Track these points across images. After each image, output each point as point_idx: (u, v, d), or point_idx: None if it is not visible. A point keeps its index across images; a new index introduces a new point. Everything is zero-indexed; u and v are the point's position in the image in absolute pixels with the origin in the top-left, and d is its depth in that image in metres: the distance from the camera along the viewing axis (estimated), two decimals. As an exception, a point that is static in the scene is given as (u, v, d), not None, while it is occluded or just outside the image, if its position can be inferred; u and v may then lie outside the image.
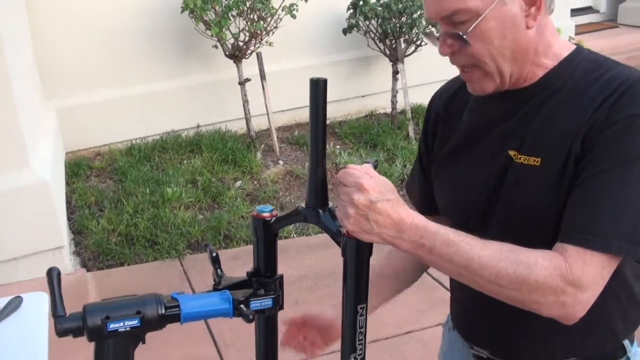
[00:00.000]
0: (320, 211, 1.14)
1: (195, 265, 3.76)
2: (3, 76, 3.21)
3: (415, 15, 5.20)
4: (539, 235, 1.17)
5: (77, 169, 4.66)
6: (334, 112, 5.64)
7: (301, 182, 4.75)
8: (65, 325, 1.08)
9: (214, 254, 1.22)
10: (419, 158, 1.51)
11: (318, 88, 1.09)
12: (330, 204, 1.16)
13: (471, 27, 1.13)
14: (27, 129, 3.45)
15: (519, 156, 1.21)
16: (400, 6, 5.19)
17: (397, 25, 5.27)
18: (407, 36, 5.36)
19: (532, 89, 1.22)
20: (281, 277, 1.22)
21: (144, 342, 1.12)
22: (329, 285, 3.57)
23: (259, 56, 4.95)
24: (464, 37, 1.14)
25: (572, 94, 1.18)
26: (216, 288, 1.19)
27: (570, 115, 1.16)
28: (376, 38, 5.46)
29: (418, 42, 5.40)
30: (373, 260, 1.14)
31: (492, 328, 1.35)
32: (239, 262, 3.65)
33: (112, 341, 1.08)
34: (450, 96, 1.40)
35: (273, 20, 4.86)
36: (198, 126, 5.32)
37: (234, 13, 4.71)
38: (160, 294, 1.13)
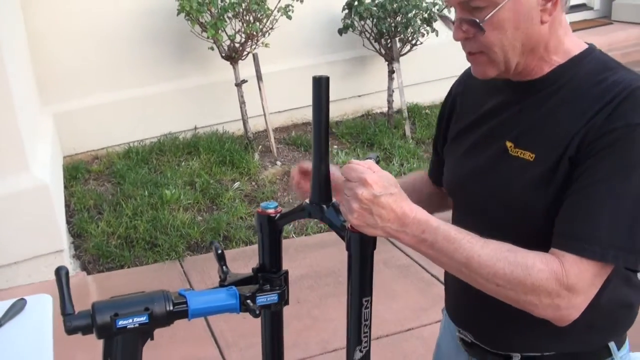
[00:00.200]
0: (324, 206, 1.16)
1: (195, 267, 3.78)
2: (2, 79, 3.22)
3: (410, 15, 5.21)
4: (527, 227, 1.20)
5: (75, 172, 4.67)
6: (331, 112, 5.52)
7: (299, 183, 4.75)
8: (74, 323, 1.09)
9: (220, 251, 1.24)
10: (437, 128, 1.54)
11: (321, 86, 1.11)
12: (334, 199, 1.17)
13: (489, 15, 1.13)
14: (26, 133, 3.45)
15: (515, 149, 1.23)
16: (395, 6, 5.21)
17: (392, 24, 5.29)
18: (402, 35, 5.38)
19: (538, 83, 1.23)
20: (286, 272, 1.24)
21: (152, 339, 1.14)
22: (329, 284, 3.58)
23: (255, 57, 4.96)
24: (481, 24, 1.15)
25: (575, 94, 1.19)
26: (222, 284, 1.21)
27: (570, 115, 1.17)
28: (371, 38, 5.48)
29: (413, 42, 5.42)
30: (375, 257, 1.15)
31: (477, 313, 1.37)
32: (239, 262, 3.66)
33: (121, 338, 1.10)
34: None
35: (269, 22, 4.88)
36: (195, 128, 5.33)
37: (230, 15, 4.72)
38: (168, 290, 1.15)
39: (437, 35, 5.32)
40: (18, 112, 3.34)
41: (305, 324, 3.22)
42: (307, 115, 5.71)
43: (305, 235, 4.12)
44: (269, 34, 4.93)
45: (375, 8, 5.26)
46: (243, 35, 4.84)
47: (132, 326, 1.08)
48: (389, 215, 1.08)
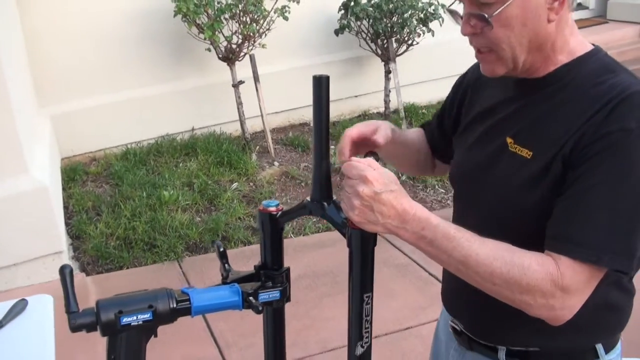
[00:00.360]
0: (325, 204, 1.17)
1: (194, 267, 3.78)
2: (0, 81, 3.22)
3: (406, 15, 5.24)
4: (524, 224, 1.22)
5: (73, 174, 4.68)
6: (328, 112, 5.66)
7: (297, 183, 4.77)
8: (79, 320, 1.10)
9: (222, 249, 1.25)
10: (440, 113, 1.56)
11: (321, 85, 1.13)
12: (334, 196, 1.19)
13: (497, 11, 1.15)
14: (24, 135, 3.46)
15: (514, 145, 1.25)
16: (391, 6, 5.23)
17: (388, 25, 5.31)
18: (398, 36, 5.40)
19: (541, 81, 1.25)
20: (288, 269, 1.25)
21: (155, 336, 1.15)
22: (327, 283, 3.60)
23: (252, 58, 4.97)
24: (489, 19, 1.16)
25: (576, 94, 1.20)
26: (225, 282, 1.22)
27: (568, 115, 1.18)
28: (368, 38, 5.50)
29: (409, 42, 5.44)
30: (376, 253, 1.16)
31: (467, 303, 1.39)
32: (238, 263, 3.61)
33: (125, 335, 1.11)
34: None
35: (265, 23, 4.89)
36: (193, 129, 5.34)
37: (227, 16, 4.73)
38: (171, 288, 1.16)
39: (433, 35, 5.34)
40: (16, 115, 3.34)
41: (304, 324, 3.23)
42: (305, 115, 5.73)
43: (303, 236, 4.13)
44: (266, 35, 4.95)
45: (371, 8, 5.28)
46: (240, 37, 4.85)
47: (136, 323, 1.10)
48: (389, 212, 1.10)
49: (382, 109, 5.79)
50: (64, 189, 4.48)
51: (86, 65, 4.86)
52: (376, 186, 1.09)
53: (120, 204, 4.26)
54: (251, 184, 4.72)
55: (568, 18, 1.21)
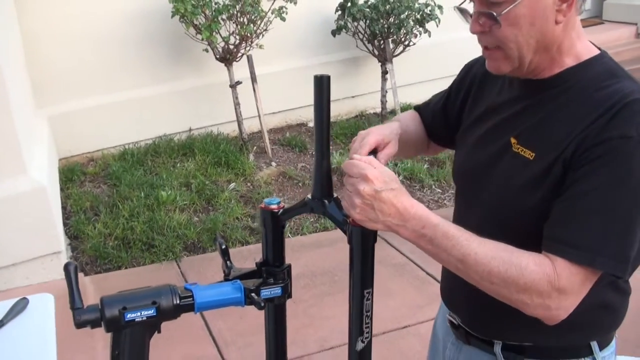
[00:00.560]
0: (326, 201, 1.19)
1: (192, 267, 3.80)
2: (-1, 82, 3.24)
3: (402, 16, 5.26)
4: (523, 224, 1.24)
5: (71, 174, 4.68)
6: (325, 113, 5.67)
7: (294, 183, 4.79)
8: (83, 317, 1.11)
9: (224, 247, 1.27)
10: (445, 97, 1.56)
11: (322, 84, 1.14)
12: (335, 194, 1.20)
13: (506, 10, 1.16)
14: (23, 136, 3.47)
15: (518, 145, 1.26)
16: (387, 7, 5.25)
17: (385, 26, 5.33)
18: (395, 36, 5.42)
19: (546, 82, 1.26)
20: (289, 266, 1.27)
21: (159, 332, 1.16)
22: (325, 283, 3.61)
23: (249, 59, 4.99)
24: (498, 18, 1.18)
25: (579, 97, 1.21)
26: (227, 279, 1.23)
27: (571, 118, 1.20)
28: (365, 39, 5.52)
29: (406, 43, 5.46)
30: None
31: (465, 298, 1.41)
32: (236, 263, 3.66)
33: (129, 331, 1.12)
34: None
35: (263, 23, 4.90)
36: (190, 130, 5.35)
37: (224, 17, 4.74)
38: (174, 284, 1.18)
39: (429, 36, 5.36)
40: (15, 115, 3.35)
41: (303, 322, 3.25)
42: (302, 116, 5.74)
43: (301, 235, 4.15)
44: (263, 35, 4.96)
45: (368, 9, 5.30)
46: (237, 37, 4.86)
47: (140, 319, 1.11)
48: (390, 210, 1.12)
49: (378, 110, 5.81)
50: (61, 190, 4.48)
51: (84, 65, 4.87)
52: (377, 184, 1.11)
53: (118, 204, 4.27)
54: (249, 184, 4.74)
55: (575, 21, 1.23)
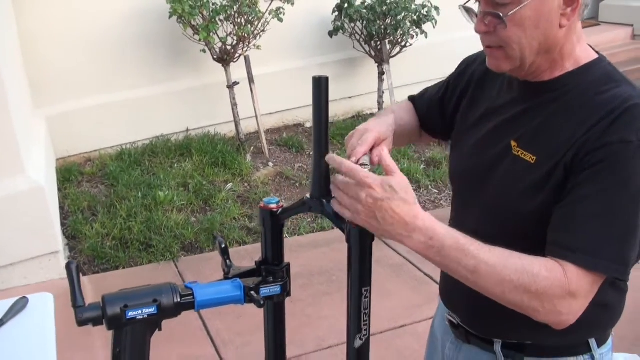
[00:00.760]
0: (325, 201, 1.20)
1: (190, 267, 3.81)
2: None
3: (399, 17, 5.28)
4: (522, 228, 1.25)
5: (68, 175, 4.69)
6: (322, 113, 5.69)
7: (291, 183, 4.80)
8: (85, 315, 1.12)
9: (223, 245, 1.28)
10: (444, 89, 1.56)
11: (320, 85, 1.15)
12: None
13: (512, 11, 1.18)
14: (21, 136, 3.47)
15: (518, 148, 1.27)
16: (384, 8, 5.27)
17: (382, 27, 5.35)
18: (392, 37, 5.44)
19: (546, 86, 1.28)
20: (288, 265, 1.28)
21: (160, 329, 1.18)
22: (323, 282, 3.63)
23: (247, 59, 5.00)
24: (504, 18, 1.19)
25: (578, 102, 1.23)
26: (226, 277, 1.25)
27: (571, 123, 1.21)
28: (362, 40, 5.54)
29: (403, 43, 5.48)
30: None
31: (465, 298, 1.39)
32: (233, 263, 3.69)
33: (131, 328, 1.13)
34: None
35: (260, 24, 4.92)
36: (187, 130, 5.36)
37: (222, 17, 4.76)
38: (175, 283, 1.19)
39: (426, 37, 5.38)
40: (13, 116, 3.36)
41: (301, 322, 3.26)
42: (299, 116, 5.76)
43: (298, 236, 4.17)
44: (261, 36, 4.98)
45: (365, 10, 5.32)
46: (235, 38, 4.88)
47: (142, 317, 1.12)
48: (393, 220, 1.10)
49: (375, 110, 5.82)
50: (59, 190, 4.49)
51: (81, 66, 4.87)
52: (379, 193, 1.09)
53: (115, 204, 4.28)
54: (246, 184, 4.75)
55: (577, 26, 1.25)
